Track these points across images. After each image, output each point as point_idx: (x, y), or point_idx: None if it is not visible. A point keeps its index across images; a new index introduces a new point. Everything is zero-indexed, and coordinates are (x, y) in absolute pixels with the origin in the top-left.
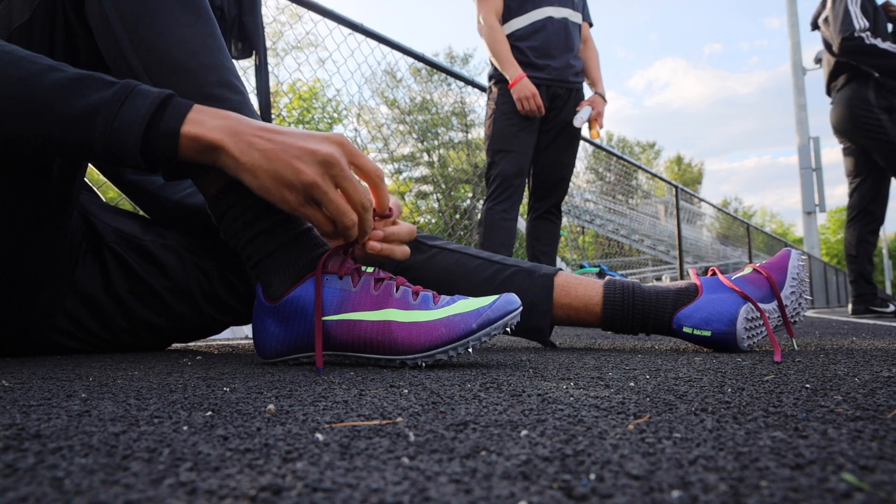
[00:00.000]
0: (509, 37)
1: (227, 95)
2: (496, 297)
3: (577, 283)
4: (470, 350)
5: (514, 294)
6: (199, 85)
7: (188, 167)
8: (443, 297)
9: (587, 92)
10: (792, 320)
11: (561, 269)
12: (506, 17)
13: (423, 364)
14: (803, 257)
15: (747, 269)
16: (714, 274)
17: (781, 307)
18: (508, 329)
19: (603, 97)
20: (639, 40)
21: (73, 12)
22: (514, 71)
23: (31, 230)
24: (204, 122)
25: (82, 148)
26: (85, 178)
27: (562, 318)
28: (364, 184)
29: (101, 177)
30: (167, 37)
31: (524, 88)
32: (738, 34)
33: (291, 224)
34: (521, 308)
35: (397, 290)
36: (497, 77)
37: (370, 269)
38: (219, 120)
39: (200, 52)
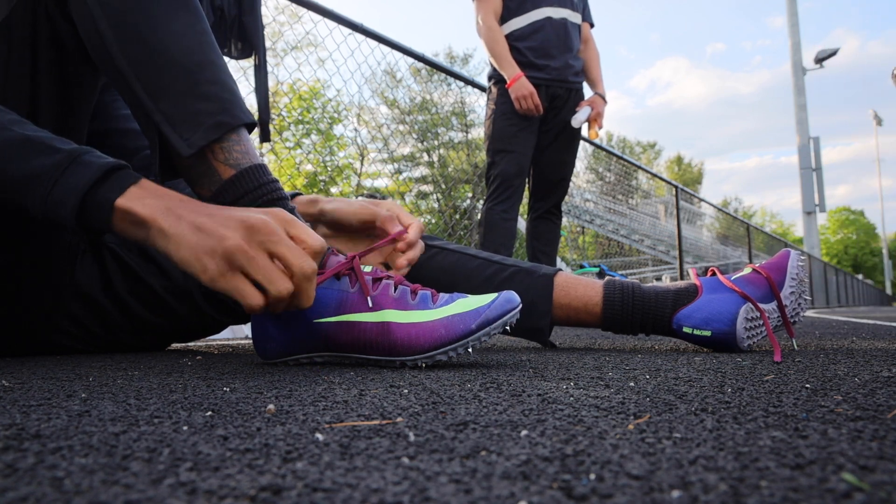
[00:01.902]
0: (508, 37)
1: (218, 94)
2: (495, 295)
3: (576, 283)
4: (470, 350)
5: (513, 292)
6: (190, 83)
7: (181, 164)
8: (441, 295)
9: (587, 92)
10: (792, 320)
11: (561, 270)
12: (505, 18)
13: (423, 365)
14: (803, 257)
15: (747, 270)
16: (714, 274)
17: (781, 307)
18: (508, 328)
19: (603, 97)
20: (641, 40)
21: (57, 10)
22: (511, 70)
23: (29, 229)
24: (142, 197)
25: (24, 209)
26: None
27: (561, 319)
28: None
29: None
30: (155, 34)
31: (522, 87)
32: (740, 33)
33: None
34: (520, 306)
35: (395, 289)
36: (496, 77)
37: (368, 269)
38: (158, 199)
39: (190, 50)
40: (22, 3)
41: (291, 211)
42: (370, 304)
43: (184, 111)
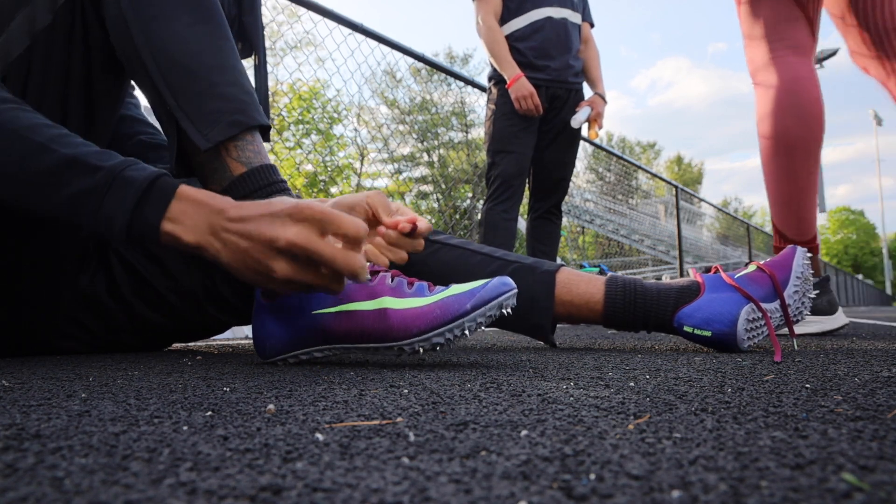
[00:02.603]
0: (508, 37)
1: (237, 95)
2: (490, 279)
3: (578, 279)
4: (467, 332)
5: (508, 277)
6: (210, 84)
7: (193, 162)
8: (438, 286)
9: (587, 92)
10: (794, 319)
11: (563, 265)
12: (505, 18)
13: (421, 349)
14: (808, 255)
15: (751, 267)
16: (717, 271)
17: (784, 307)
18: (505, 311)
19: (603, 97)
20: (642, 39)
21: (92, 11)
22: (511, 71)
23: (33, 230)
24: (182, 221)
25: (75, 228)
26: None
27: (563, 316)
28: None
29: None
30: (180, 39)
31: (521, 88)
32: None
33: None
34: (515, 290)
35: (392, 280)
36: (496, 78)
37: (367, 264)
38: (198, 215)
39: (212, 55)
40: (64, 7)
41: None
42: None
43: (203, 109)
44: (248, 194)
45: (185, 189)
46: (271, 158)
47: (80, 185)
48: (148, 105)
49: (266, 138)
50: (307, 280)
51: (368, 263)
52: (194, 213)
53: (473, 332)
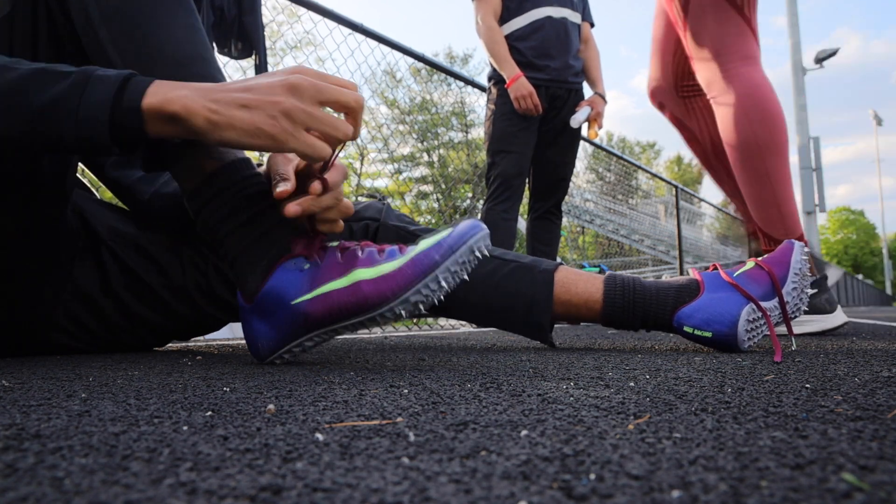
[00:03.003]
0: (508, 37)
1: None
2: (455, 225)
3: (576, 279)
4: (444, 284)
5: (475, 220)
6: (178, 78)
7: (167, 156)
8: (409, 246)
9: (587, 92)
10: (792, 316)
11: (561, 264)
12: (505, 18)
13: (403, 312)
14: (806, 250)
15: (749, 264)
16: (715, 269)
17: (782, 304)
18: (478, 254)
19: (603, 97)
20: (643, 39)
21: (56, 3)
22: (511, 70)
23: (26, 227)
24: (164, 93)
25: (55, 141)
26: (82, 178)
27: (562, 315)
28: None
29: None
30: (146, 29)
31: (521, 87)
32: None
33: (265, 218)
34: (485, 232)
35: (363, 252)
36: (496, 78)
37: (335, 243)
38: (179, 89)
39: (180, 45)
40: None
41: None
42: (318, 264)
43: None
44: (222, 191)
45: (160, 80)
46: None
47: (52, 91)
48: None
49: None
50: (310, 112)
51: (339, 241)
52: (178, 86)
53: (454, 284)
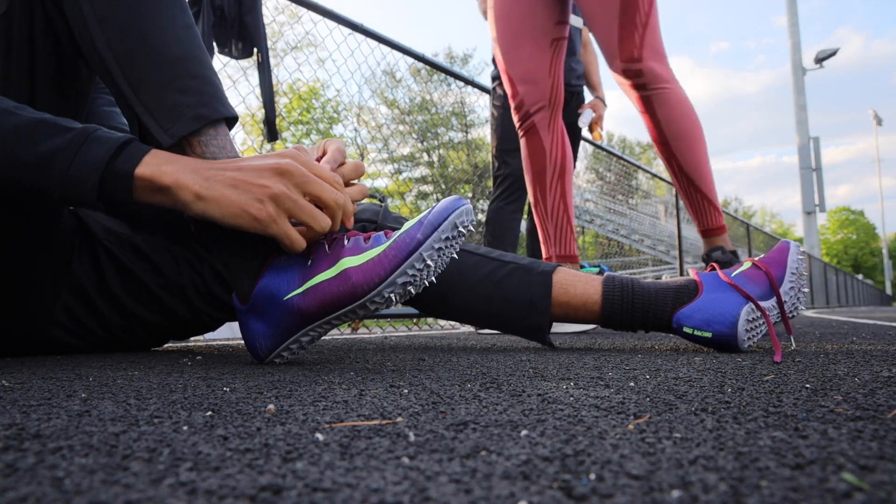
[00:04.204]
0: None
1: (199, 87)
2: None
3: (575, 280)
4: (430, 263)
5: (457, 196)
6: (171, 77)
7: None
8: (395, 231)
9: (587, 96)
10: (790, 315)
11: (560, 266)
12: None
13: (393, 296)
14: (802, 249)
15: (746, 264)
16: (713, 269)
17: (780, 303)
18: (463, 230)
19: (603, 101)
20: None
21: (51, 3)
22: None
23: (24, 223)
24: (160, 164)
25: (42, 192)
26: None
27: (560, 317)
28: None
29: None
30: (140, 28)
31: None
32: (744, 32)
33: None
34: (466, 206)
35: (348, 240)
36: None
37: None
38: (175, 163)
39: (173, 44)
40: None
41: None
42: (308, 263)
43: (164, 103)
44: None
45: (158, 150)
46: None
47: (50, 143)
48: None
49: (274, 136)
50: (295, 201)
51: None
52: (173, 160)
53: (441, 262)
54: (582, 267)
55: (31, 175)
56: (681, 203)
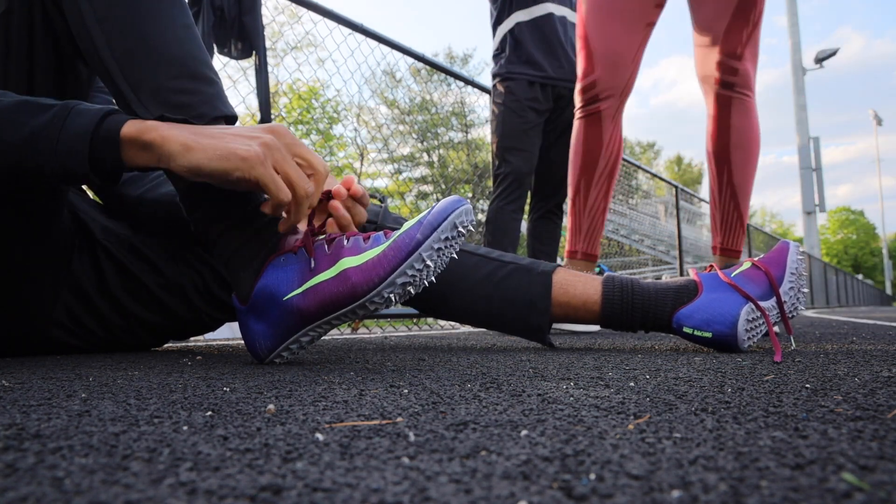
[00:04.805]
0: (511, 30)
1: (200, 88)
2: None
3: (575, 280)
4: (429, 263)
5: (457, 196)
6: (171, 77)
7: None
8: (395, 231)
9: None
10: (790, 315)
11: (560, 266)
12: (508, 10)
13: (393, 296)
14: (802, 249)
15: (746, 265)
16: (712, 269)
17: (780, 304)
18: (462, 230)
19: None
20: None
21: (51, 3)
22: None
23: (24, 222)
24: (141, 123)
25: (34, 171)
26: None
27: (560, 317)
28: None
29: None
30: (140, 28)
31: None
32: None
33: (256, 217)
34: (466, 206)
35: (348, 241)
36: (503, 75)
37: (322, 237)
38: (158, 124)
39: (173, 45)
40: None
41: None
42: (311, 266)
43: (164, 104)
44: (214, 190)
45: (140, 119)
46: None
47: (35, 122)
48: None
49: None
50: (283, 154)
51: (326, 234)
52: (157, 123)
53: (441, 263)
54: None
55: (20, 155)
56: (681, 203)
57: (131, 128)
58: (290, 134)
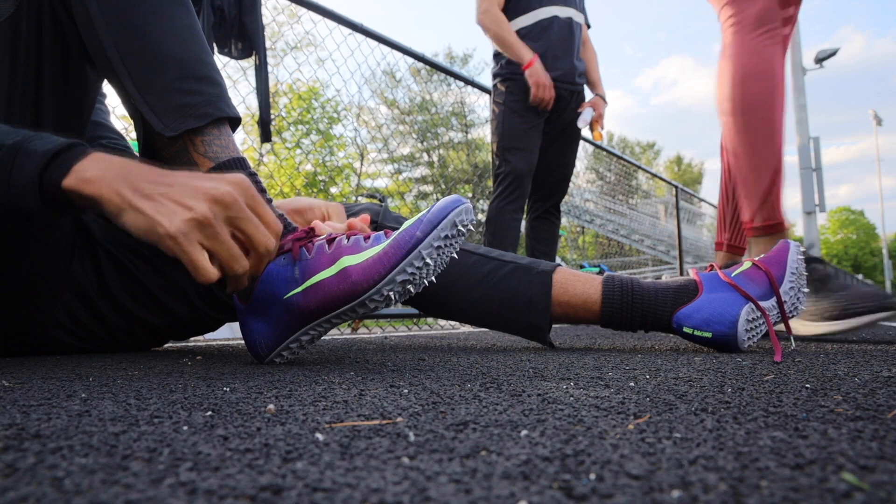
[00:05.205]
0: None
1: (203, 88)
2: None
3: (575, 280)
4: (429, 262)
5: (456, 195)
6: (176, 78)
7: (163, 151)
8: (395, 230)
9: (587, 94)
10: (790, 315)
11: (560, 265)
12: (509, 15)
13: (392, 294)
14: (802, 249)
15: (746, 264)
16: (713, 269)
17: (780, 303)
18: (462, 229)
19: (603, 98)
20: (646, 38)
21: (60, 4)
22: (526, 53)
23: (23, 227)
24: (88, 171)
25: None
26: None
27: (560, 316)
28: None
29: None
30: (148, 30)
31: (540, 74)
32: None
33: None
34: (465, 205)
35: (348, 239)
36: (503, 75)
37: (323, 235)
38: (106, 171)
39: (179, 47)
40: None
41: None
42: (296, 274)
43: (169, 104)
44: None
45: (97, 153)
46: (271, 159)
47: None
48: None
49: (267, 138)
50: (216, 233)
51: (325, 234)
52: (104, 166)
53: (441, 261)
54: (581, 267)
55: None
56: (681, 203)
57: (72, 180)
58: (237, 204)
